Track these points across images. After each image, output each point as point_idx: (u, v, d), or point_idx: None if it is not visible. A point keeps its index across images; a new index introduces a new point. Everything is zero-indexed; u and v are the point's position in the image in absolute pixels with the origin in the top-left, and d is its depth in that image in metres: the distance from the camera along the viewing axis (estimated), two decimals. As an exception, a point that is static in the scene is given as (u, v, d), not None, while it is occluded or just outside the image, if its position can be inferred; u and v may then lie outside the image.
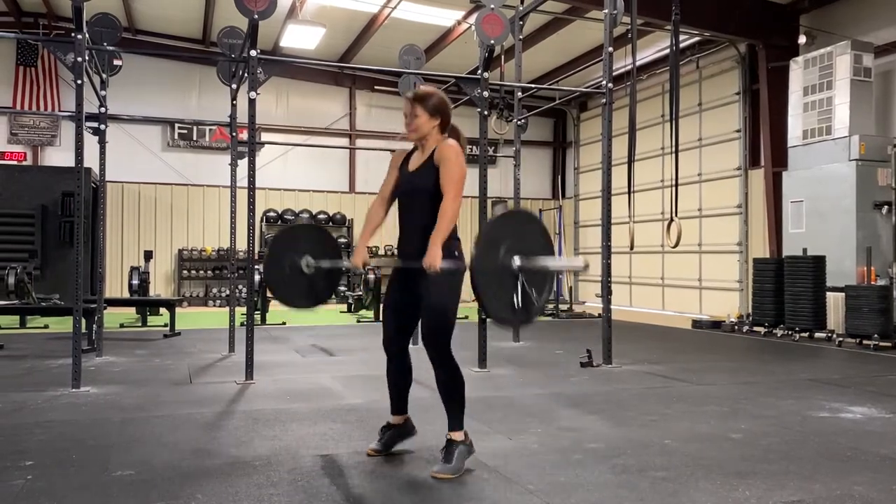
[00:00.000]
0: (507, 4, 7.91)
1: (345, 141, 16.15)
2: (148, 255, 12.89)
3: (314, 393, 5.38)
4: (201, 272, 14.97)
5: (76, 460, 3.54)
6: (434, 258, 3.24)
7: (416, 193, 3.46)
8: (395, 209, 3.65)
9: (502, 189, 16.16)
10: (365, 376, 6.05)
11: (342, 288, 15.68)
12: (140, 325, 10.34)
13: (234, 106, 7.64)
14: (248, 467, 3.42)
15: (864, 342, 8.23)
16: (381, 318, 3.67)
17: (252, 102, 5.89)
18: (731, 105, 12.54)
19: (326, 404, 4.95)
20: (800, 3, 10.95)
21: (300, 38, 12.66)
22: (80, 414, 4.63)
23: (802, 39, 10.86)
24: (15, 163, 13.81)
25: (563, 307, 13.62)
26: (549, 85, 14.50)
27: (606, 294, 6.94)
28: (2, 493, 3.05)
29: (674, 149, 7.89)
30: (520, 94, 9.05)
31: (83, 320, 6.09)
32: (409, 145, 3.73)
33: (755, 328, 9.86)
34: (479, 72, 6.51)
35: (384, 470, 3.42)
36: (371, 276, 12.11)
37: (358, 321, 11.68)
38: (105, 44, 7.09)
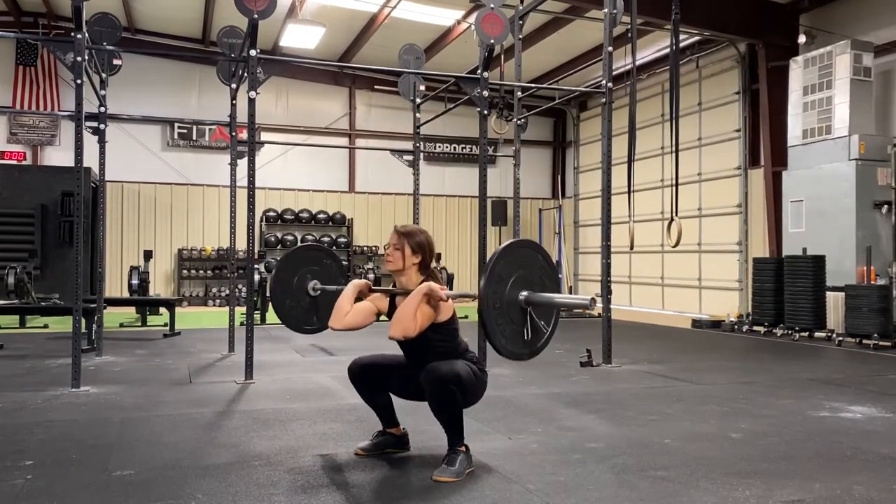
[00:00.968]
0: (506, 4, 7.92)
1: (344, 140, 16.15)
2: (148, 255, 12.90)
3: (314, 393, 5.38)
4: (201, 272, 14.97)
5: (76, 460, 3.54)
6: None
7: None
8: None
9: (502, 189, 16.16)
10: (365, 376, 6.04)
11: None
12: (140, 324, 10.34)
13: (233, 105, 7.64)
14: (247, 467, 3.42)
15: (864, 342, 8.23)
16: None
17: (252, 102, 5.89)
18: (730, 104, 12.54)
19: (326, 404, 4.94)
20: (799, 2, 10.94)
21: (300, 38, 12.66)
22: (79, 414, 4.62)
23: (802, 39, 10.86)
24: (15, 162, 13.82)
25: (563, 307, 13.59)
26: (549, 84, 14.49)
27: (606, 294, 6.94)
28: (2, 492, 3.05)
29: (674, 148, 7.89)
30: (519, 93, 9.04)
31: (83, 320, 6.09)
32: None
33: (755, 328, 9.87)
34: (479, 71, 6.51)
35: (384, 470, 3.42)
36: (371, 276, 12.12)
37: (358, 321, 11.66)
38: (105, 43, 7.09)
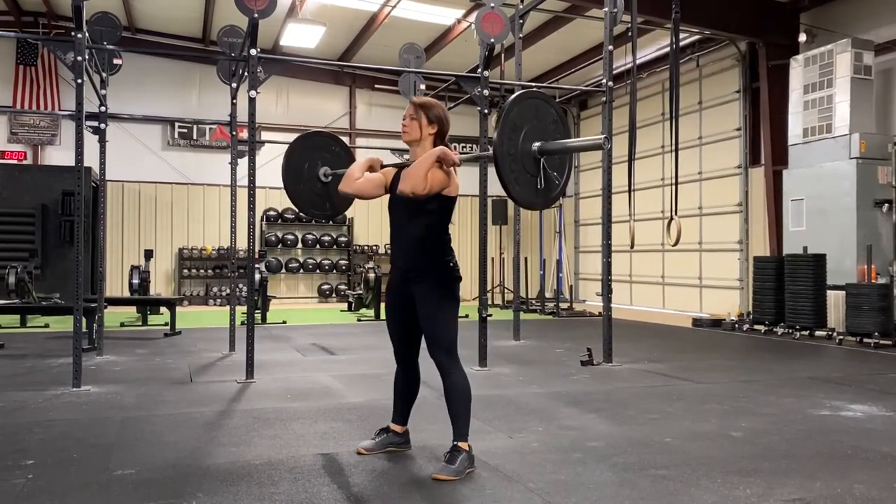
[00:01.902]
0: (507, 3, 7.92)
1: (345, 139, 16.08)
2: (148, 254, 12.89)
3: (315, 392, 5.38)
4: (202, 271, 14.96)
5: (77, 459, 3.54)
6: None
7: (408, 212, 3.43)
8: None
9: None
10: (365, 375, 6.03)
11: (343, 286, 15.72)
12: (140, 324, 10.34)
13: (234, 105, 7.64)
14: (248, 466, 3.42)
15: (865, 340, 8.23)
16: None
17: (252, 101, 5.90)
18: (731, 103, 12.53)
19: (327, 403, 4.95)
20: (800, 1, 10.93)
21: (300, 37, 12.65)
22: (80, 413, 4.63)
23: (803, 37, 10.85)
24: (15, 162, 13.80)
25: (564, 306, 13.61)
26: (550, 83, 14.48)
27: (607, 292, 6.94)
28: (3, 491, 3.05)
29: (674, 147, 7.88)
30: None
31: (84, 319, 6.08)
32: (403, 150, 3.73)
33: (755, 326, 9.86)
34: (480, 70, 6.51)
35: (385, 469, 3.42)
36: (371, 276, 12.12)
37: (358, 320, 11.68)
38: (105, 43, 7.09)
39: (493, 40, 6.28)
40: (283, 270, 15.45)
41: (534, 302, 14.10)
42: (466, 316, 10.37)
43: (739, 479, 3.24)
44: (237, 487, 3.10)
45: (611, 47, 6.97)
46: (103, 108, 7.23)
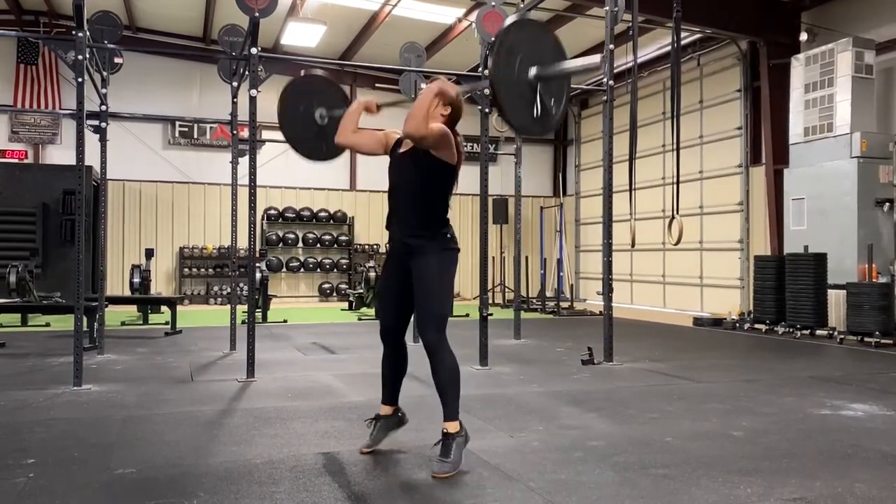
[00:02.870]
0: (507, 2, 7.90)
1: (345, 139, 16.10)
2: (149, 254, 12.90)
3: (315, 391, 5.39)
4: (202, 270, 14.97)
5: (78, 458, 3.54)
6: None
7: (407, 175, 3.41)
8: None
9: (503, 186, 16.14)
10: (366, 374, 6.04)
11: (343, 286, 15.73)
12: (141, 323, 10.34)
13: (234, 104, 7.64)
14: (249, 465, 3.42)
15: (866, 340, 8.23)
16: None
17: (253, 100, 5.90)
18: (732, 102, 12.53)
19: (328, 402, 4.95)
20: (801, 0, 10.93)
21: (301, 36, 12.65)
22: (81, 412, 4.63)
23: (804, 37, 10.84)
24: (16, 161, 13.81)
25: (564, 305, 13.60)
26: (550, 82, 14.46)
27: (607, 292, 6.94)
28: (4, 491, 3.05)
29: (675, 146, 7.87)
30: (521, 91, 9.03)
31: (84, 318, 6.09)
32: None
33: (756, 326, 9.86)
34: (480, 69, 6.51)
35: (386, 468, 3.42)
36: (372, 275, 12.12)
37: (359, 319, 11.68)
38: (106, 42, 7.09)
39: (493, 39, 6.28)
40: (284, 269, 15.45)
41: (534, 301, 14.11)
42: (467, 315, 10.39)
43: (740, 478, 3.24)
44: (238, 486, 3.10)
45: (611, 46, 6.95)
46: (104, 107, 7.23)
